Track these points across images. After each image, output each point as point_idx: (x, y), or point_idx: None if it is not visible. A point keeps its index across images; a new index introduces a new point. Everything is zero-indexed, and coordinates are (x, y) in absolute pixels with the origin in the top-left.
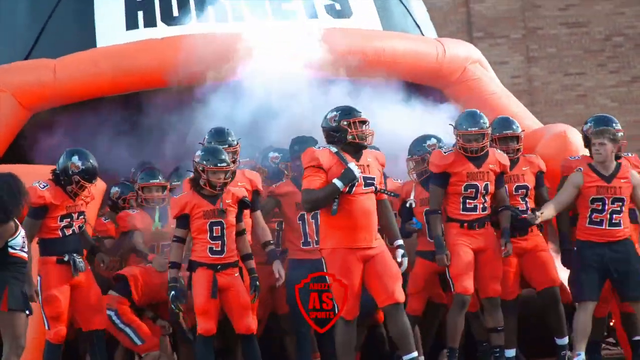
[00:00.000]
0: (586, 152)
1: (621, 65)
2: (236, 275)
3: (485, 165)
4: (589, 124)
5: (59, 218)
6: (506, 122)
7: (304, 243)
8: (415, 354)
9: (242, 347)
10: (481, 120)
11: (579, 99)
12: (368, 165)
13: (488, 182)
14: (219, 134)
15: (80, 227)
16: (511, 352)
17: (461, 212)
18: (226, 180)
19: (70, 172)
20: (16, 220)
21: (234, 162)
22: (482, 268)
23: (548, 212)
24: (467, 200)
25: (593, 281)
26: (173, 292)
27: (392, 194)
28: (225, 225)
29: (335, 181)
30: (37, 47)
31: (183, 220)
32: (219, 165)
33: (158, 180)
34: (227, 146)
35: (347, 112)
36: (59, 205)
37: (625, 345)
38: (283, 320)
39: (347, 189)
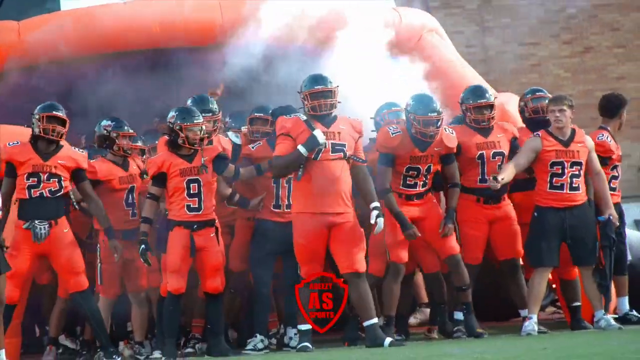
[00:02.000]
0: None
1: (574, 37)
2: (212, 235)
3: (430, 148)
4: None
5: (25, 176)
6: (479, 91)
7: (275, 205)
8: (375, 320)
9: (208, 305)
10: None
11: (533, 68)
12: (339, 133)
13: (431, 164)
14: (203, 102)
15: (51, 191)
16: (459, 315)
17: (401, 187)
18: (202, 136)
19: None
20: None
21: (214, 130)
22: (429, 234)
23: (507, 175)
24: (408, 179)
25: (552, 247)
26: (143, 246)
27: (360, 160)
28: (202, 182)
29: (300, 147)
30: (1, 9)
31: (160, 179)
32: (194, 121)
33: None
34: (210, 114)
35: (311, 84)
36: (23, 163)
37: (565, 311)
38: (234, 278)
39: (314, 155)
